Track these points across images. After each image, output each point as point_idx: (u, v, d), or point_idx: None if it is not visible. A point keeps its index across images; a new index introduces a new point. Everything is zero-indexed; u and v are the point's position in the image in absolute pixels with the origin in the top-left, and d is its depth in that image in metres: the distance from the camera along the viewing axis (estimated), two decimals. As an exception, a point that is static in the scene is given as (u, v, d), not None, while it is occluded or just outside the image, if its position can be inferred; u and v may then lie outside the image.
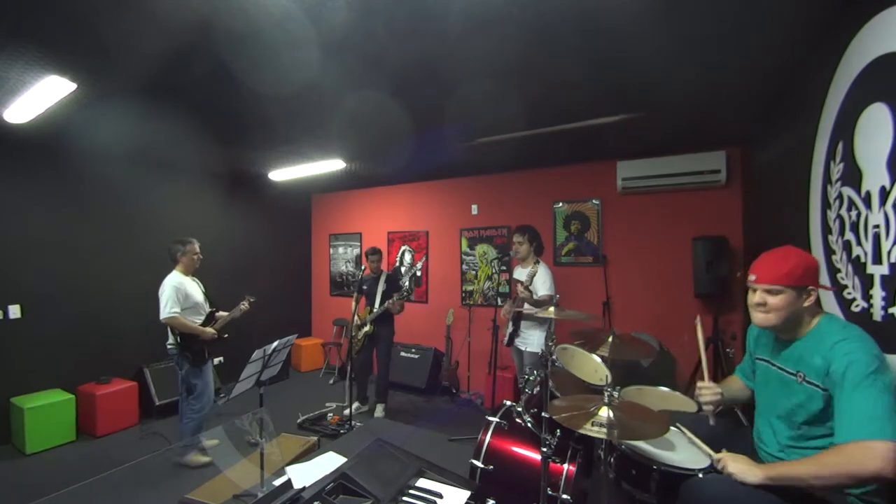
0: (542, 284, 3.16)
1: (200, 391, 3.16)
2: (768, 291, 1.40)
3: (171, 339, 3.12)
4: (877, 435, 1.11)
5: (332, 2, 1.68)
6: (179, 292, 3.09)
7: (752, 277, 1.46)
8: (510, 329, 3.36)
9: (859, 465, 1.11)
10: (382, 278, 4.18)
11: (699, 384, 1.72)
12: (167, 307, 3.02)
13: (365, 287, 4.21)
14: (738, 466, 1.35)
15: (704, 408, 1.67)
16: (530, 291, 3.07)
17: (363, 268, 4.18)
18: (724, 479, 1.40)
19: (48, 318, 3.63)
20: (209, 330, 3.20)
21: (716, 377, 3.32)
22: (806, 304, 1.37)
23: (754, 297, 1.45)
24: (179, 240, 3.30)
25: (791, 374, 1.42)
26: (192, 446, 3.12)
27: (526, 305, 3.14)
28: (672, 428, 1.73)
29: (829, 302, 1.81)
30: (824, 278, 1.87)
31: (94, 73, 2.34)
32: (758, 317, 1.45)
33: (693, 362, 3.43)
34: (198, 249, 3.33)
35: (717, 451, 1.50)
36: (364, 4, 1.70)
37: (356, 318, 4.10)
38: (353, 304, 4.25)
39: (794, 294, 1.36)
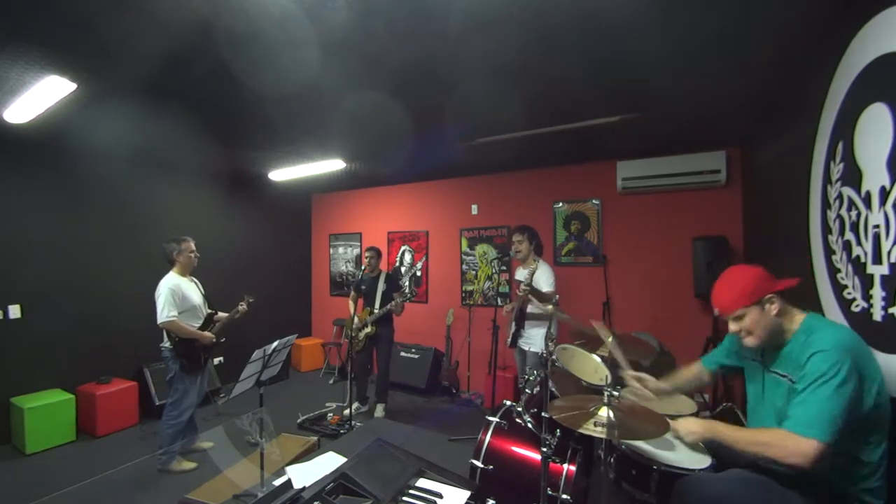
0: (545, 281, 3.16)
1: (179, 398, 3.03)
2: (735, 319, 1.47)
3: (165, 341, 3.03)
4: (810, 434, 1.21)
5: (332, 2, 1.68)
6: (176, 294, 2.97)
7: (716, 312, 1.52)
8: (513, 329, 3.35)
9: (784, 453, 1.24)
10: (382, 278, 4.15)
11: (629, 374, 1.89)
12: (164, 311, 2.91)
13: (364, 287, 4.18)
14: (683, 424, 1.51)
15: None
16: (533, 288, 3.07)
17: (363, 267, 4.16)
18: (718, 478, 1.40)
19: (48, 318, 3.63)
20: (207, 334, 3.11)
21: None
22: (773, 312, 1.41)
23: (730, 327, 1.51)
24: (173, 238, 3.14)
25: (782, 375, 1.44)
26: (173, 454, 3.02)
27: (530, 305, 3.13)
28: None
29: (830, 302, 1.81)
30: (824, 278, 1.87)
31: (94, 73, 2.34)
32: (744, 342, 1.50)
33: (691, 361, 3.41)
34: (193, 247, 3.18)
35: (716, 454, 1.52)
36: (364, 4, 1.70)
37: (356, 318, 4.09)
38: (351, 303, 4.24)
39: (758, 309, 1.42)
